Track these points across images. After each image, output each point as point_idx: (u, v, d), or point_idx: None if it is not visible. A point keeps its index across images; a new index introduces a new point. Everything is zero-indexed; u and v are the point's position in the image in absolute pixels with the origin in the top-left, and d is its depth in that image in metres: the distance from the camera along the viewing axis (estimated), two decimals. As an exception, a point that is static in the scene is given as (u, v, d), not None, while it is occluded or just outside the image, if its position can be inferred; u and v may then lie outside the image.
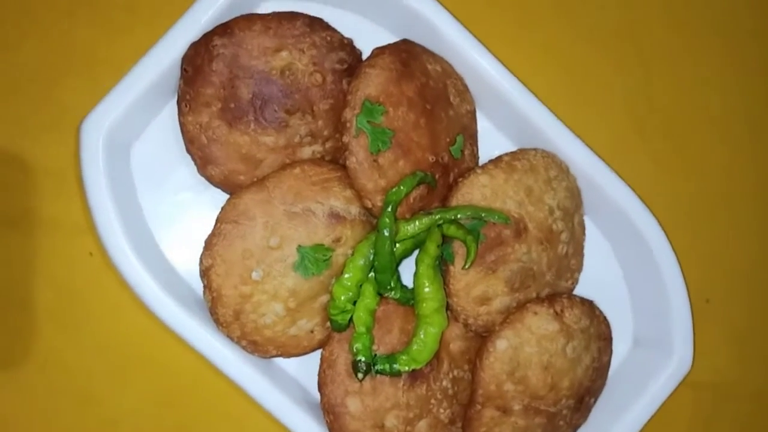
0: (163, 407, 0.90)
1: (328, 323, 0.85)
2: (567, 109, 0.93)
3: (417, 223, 0.84)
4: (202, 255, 0.83)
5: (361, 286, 0.84)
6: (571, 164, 0.91)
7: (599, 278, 0.95)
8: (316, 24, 0.86)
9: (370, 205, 0.84)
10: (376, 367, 0.83)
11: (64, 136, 0.88)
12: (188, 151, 0.86)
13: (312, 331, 0.86)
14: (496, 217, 0.85)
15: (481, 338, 0.87)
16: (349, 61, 0.87)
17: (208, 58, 0.83)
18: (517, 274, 0.86)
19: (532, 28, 1.00)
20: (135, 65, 0.84)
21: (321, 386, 0.85)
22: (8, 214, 0.89)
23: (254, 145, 0.85)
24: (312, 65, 0.85)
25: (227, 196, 0.85)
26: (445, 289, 0.85)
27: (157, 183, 0.90)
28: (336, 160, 0.87)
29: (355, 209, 0.85)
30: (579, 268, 0.93)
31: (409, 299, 0.86)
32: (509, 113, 0.91)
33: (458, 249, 0.85)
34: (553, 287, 0.90)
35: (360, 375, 0.82)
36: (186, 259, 0.88)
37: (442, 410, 0.87)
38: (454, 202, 0.86)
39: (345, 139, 0.83)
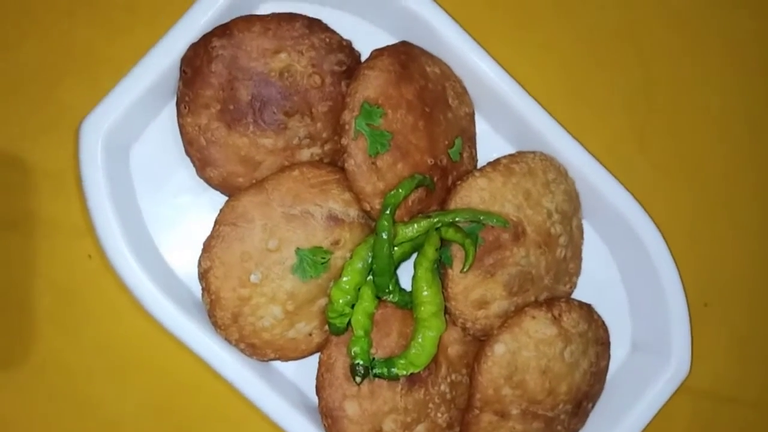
0: (162, 409, 0.90)
1: (327, 326, 0.85)
2: (566, 110, 0.93)
3: (415, 226, 0.84)
4: (200, 257, 0.83)
5: (359, 289, 0.83)
6: (570, 167, 0.91)
7: (597, 282, 0.95)
8: (314, 25, 0.86)
9: (368, 208, 0.84)
10: (374, 371, 0.83)
11: (63, 137, 0.88)
12: (187, 152, 0.86)
13: (310, 335, 0.86)
14: (495, 220, 0.85)
15: (479, 342, 0.87)
16: (348, 63, 0.86)
17: (207, 59, 0.83)
18: (516, 278, 0.86)
19: (532, 28, 1.00)
20: (134, 66, 0.84)
21: (319, 390, 0.85)
22: (7, 215, 0.89)
23: (253, 147, 0.84)
24: (311, 67, 0.84)
25: (226, 198, 0.85)
26: (443, 292, 0.85)
27: (156, 185, 0.90)
28: (335, 162, 0.87)
29: (353, 212, 0.85)
30: (577, 271, 0.93)
31: (407, 303, 0.86)
32: (508, 116, 0.90)
33: (456, 252, 0.85)
34: (552, 291, 0.90)
35: (358, 378, 0.82)
36: (185, 261, 0.88)
37: (440, 414, 0.87)
38: (452, 205, 0.86)
39: (343, 141, 0.82)
